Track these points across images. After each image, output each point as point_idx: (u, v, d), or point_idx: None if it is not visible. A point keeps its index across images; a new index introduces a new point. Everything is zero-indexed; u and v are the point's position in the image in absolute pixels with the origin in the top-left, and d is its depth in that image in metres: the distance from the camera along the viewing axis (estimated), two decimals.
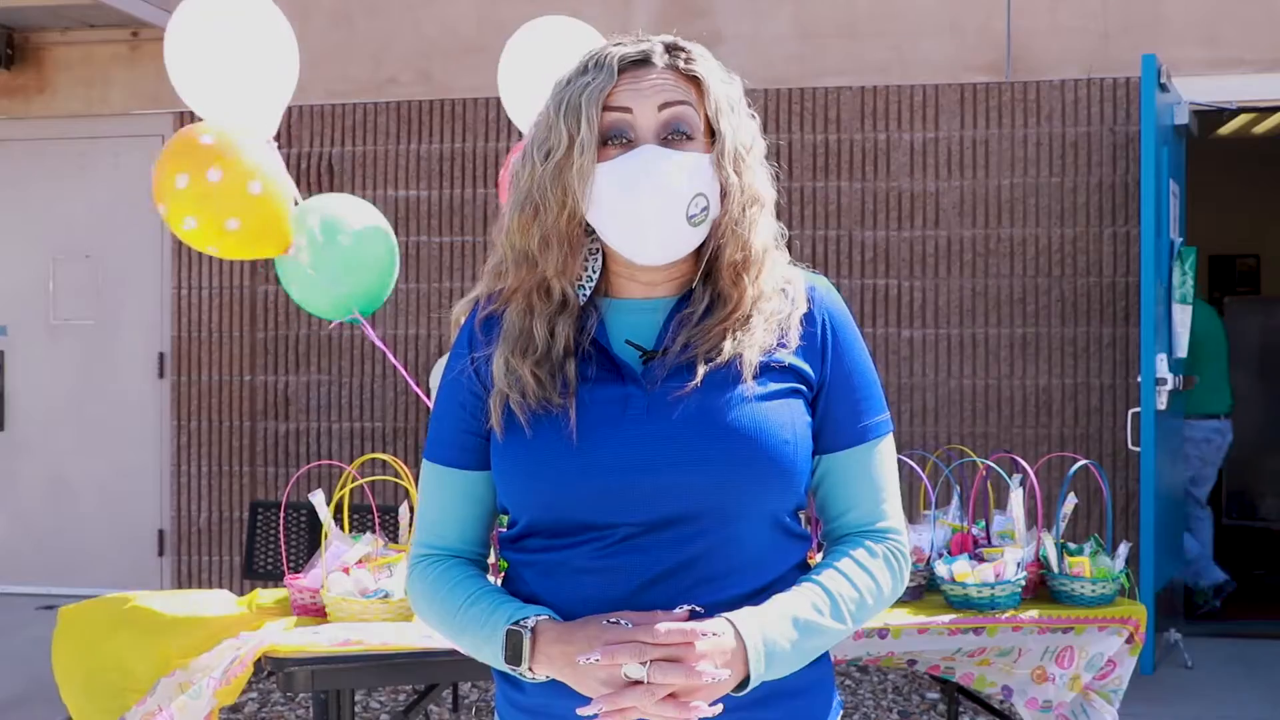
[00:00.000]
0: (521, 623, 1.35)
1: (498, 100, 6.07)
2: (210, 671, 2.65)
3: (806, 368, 1.44)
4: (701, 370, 1.38)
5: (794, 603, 1.38)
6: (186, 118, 6.21)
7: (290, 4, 6.14)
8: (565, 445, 1.37)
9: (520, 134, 5.06)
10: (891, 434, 1.51)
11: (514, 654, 1.34)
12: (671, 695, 1.28)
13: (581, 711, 1.30)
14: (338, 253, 3.41)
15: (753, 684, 1.32)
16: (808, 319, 1.46)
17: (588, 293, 1.45)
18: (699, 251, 1.44)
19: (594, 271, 1.45)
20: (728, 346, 1.40)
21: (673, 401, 1.38)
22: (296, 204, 3.47)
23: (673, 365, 1.40)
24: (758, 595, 1.38)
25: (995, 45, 5.63)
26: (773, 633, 1.34)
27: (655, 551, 1.36)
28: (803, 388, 1.44)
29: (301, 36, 6.09)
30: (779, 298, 1.45)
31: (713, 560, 1.37)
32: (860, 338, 1.50)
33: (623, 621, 1.31)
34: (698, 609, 1.33)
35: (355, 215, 3.49)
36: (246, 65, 3.51)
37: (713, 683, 1.28)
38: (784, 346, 1.43)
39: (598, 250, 1.46)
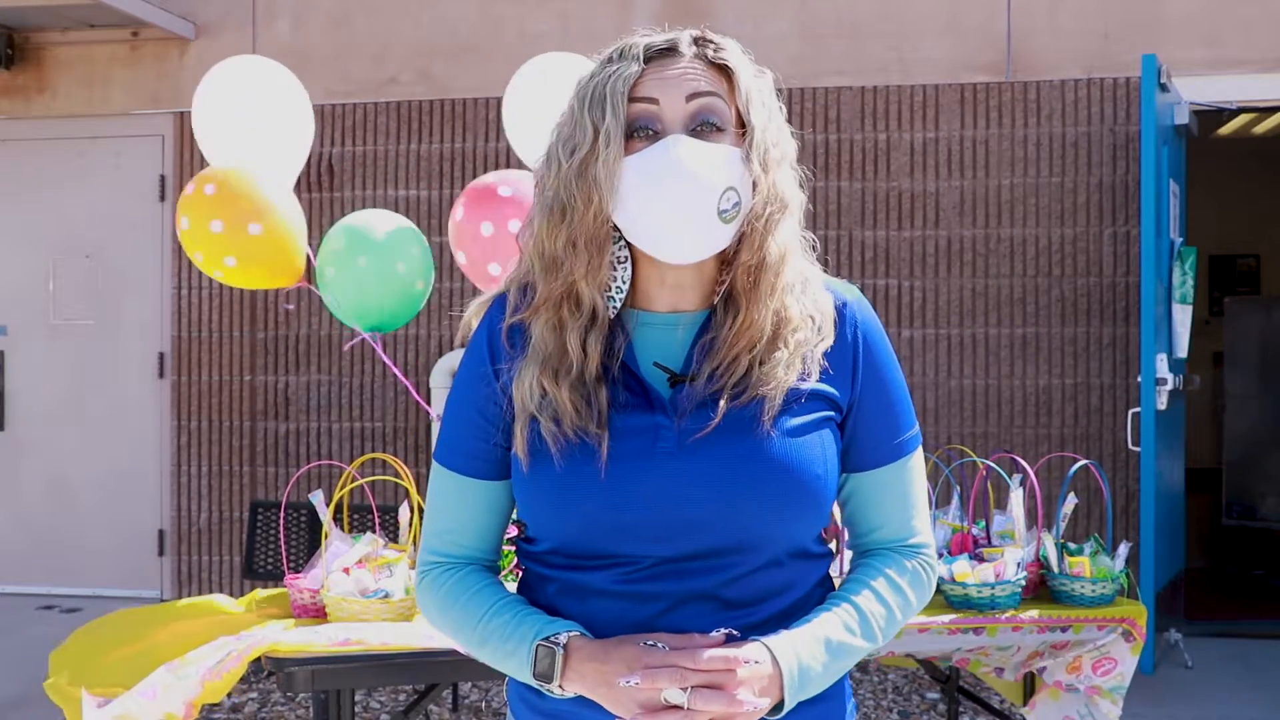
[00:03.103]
0: (553, 639, 1.31)
1: (498, 100, 6.07)
2: (203, 661, 2.64)
3: (835, 392, 1.40)
4: (723, 407, 1.33)
5: (827, 625, 1.36)
6: (187, 118, 6.22)
7: (290, 4, 6.17)
8: (594, 479, 1.33)
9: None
10: (921, 446, 1.48)
11: (544, 671, 1.31)
12: None
13: None
14: (369, 273, 3.52)
15: (786, 708, 1.31)
16: (838, 341, 1.41)
17: (618, 305, 1.38)
18: (726, 256, 1.38)
19: (624, 282, 1.39)
20: (753, 378, 1.34)
21: (703, 436, 1.33)
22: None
23: (700, 396, 1.35)
24: (782, 617, 1.37)
25: (995, 45, 5.63)
26: (807, 658, 1.33)
27: (681, 580, 1.34)
28: (832, 413, 1.40)
29: (301, 36, 6.13)
30: (807, 327, 1.38)
31: (739, 589, 1.35)
32: (892, 352, 1.46)
33: (659, 644, 1.29)
34: (734, 633, 1.32)
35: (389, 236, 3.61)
36: (267, 135, 3.74)
37: (752, 711, 1.27)
38: (807, 379, 1.38)
39: (626, 259, 1.39)
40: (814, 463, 1.35)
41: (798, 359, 1.37)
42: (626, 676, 1.26)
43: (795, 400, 1.36)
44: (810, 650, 1.33)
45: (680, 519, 1.32)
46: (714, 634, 1.31)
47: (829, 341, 1.40)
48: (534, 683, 1.33)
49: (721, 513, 1.32)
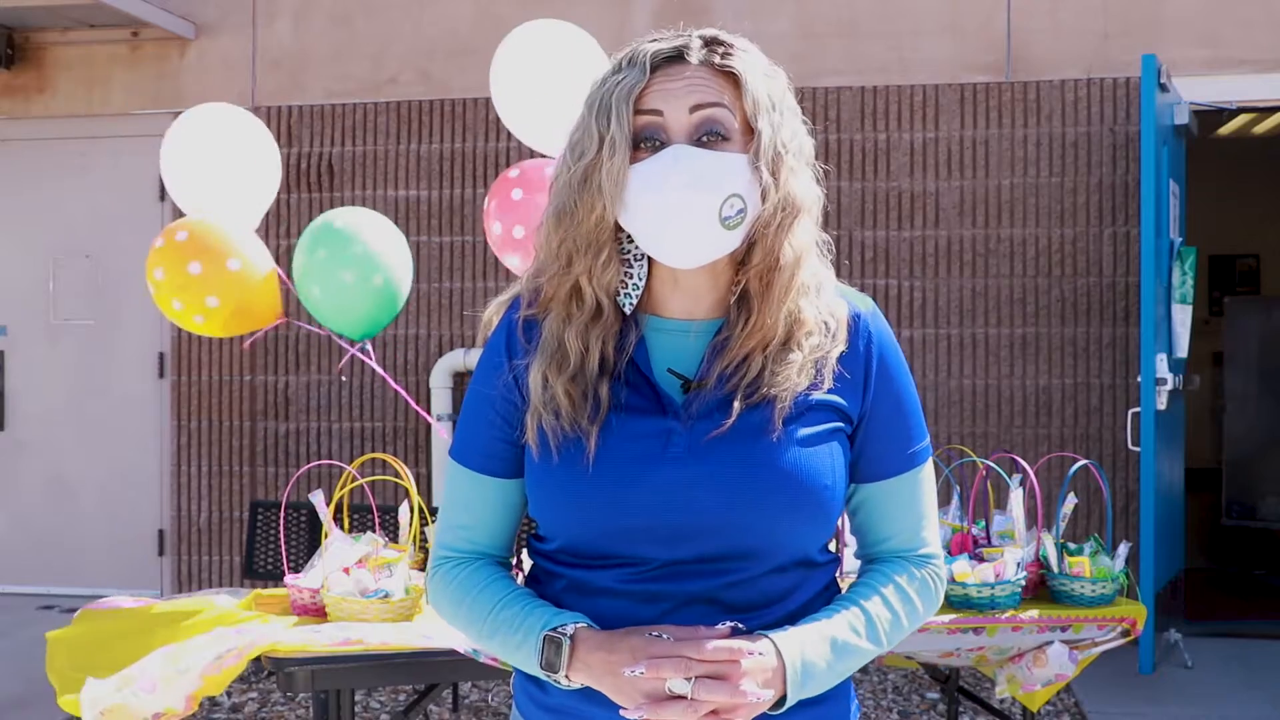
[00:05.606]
0: (560, 629, 1.32)
1: None
2: (202, 652, 2.64)
3: (845, 403, 1.40)
4: (738, 407, 1.34)
5: (834, 624, 1.37)
6: None
7: (290, 4, 6.17)
8: (596, 478, 1.34)
9: (512, 136, 5.08)
10: (931, 457, 1.50)
11: (551, 662, 1.32)
12: (712, 712, 1.27)
13: (625, 714, 1.28)
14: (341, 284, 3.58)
15: (789, 704, 1.32)
16: (850, 353, 1.40)
17: (633, 302, 1.40)
18: (738, 259, 1.38)
19: (640, 279, 1.40)
20: (765, 382, 1.35)
21: (713, 441, 1.34)
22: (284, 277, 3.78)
23: (712, 400, 1.35)
24: (784, 622, 1.37)
25: (995, 45, 5.63)
26: (812, 654, 1.33)
27: (687, 582, 1.35)
28: (842, 425, 1.40)
29: (301, 36, 6.14)
30: (820, 332, 1.39)
31: (744, 593, 1.36)
32: (905, 364, 1.47)
33: (665, 635, 1.30)
34: (739, 625, 1.33)
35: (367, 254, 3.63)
36: (234, 175, 3.86)
37: (756, 702, 1.28)
38: (819, 386, 1.38)
39: (643, 257, 1.40)
40: (822, 473, 1.36)
41: (810, 364, 1.37)
42: (632, 666, 1.27)
43: (807, 409, 1.37)
44: (815, 647, 1.34)
45: (687, 524, 1.33)
46: (720, 626, 1.32)
47: (842, 347, 1.40)
48: (541, 673, 1.34)
49: (729, 519, 1.33)
